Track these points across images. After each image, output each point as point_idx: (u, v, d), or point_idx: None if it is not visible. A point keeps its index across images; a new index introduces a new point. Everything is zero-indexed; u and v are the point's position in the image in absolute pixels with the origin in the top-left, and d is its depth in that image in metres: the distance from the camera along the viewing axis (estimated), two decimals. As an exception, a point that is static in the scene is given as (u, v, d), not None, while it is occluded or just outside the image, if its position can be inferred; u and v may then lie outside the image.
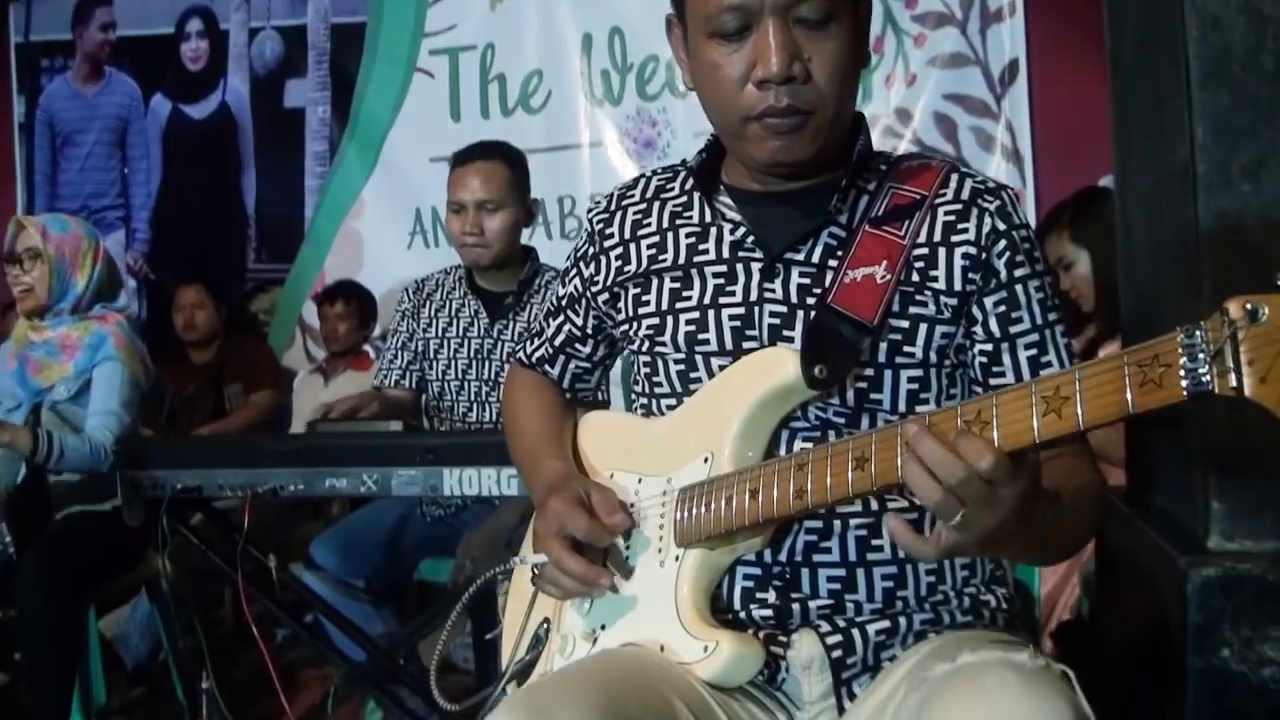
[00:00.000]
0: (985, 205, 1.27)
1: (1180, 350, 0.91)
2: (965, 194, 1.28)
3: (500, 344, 2.81)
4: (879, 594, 1.26)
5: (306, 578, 2.66)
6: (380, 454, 2.30)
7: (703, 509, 1.24)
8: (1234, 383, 0.89)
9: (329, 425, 2.46)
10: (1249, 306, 0.88)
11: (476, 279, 2.86)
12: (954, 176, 1.30)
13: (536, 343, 1.57)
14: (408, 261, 4.81)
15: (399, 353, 2.92)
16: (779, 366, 1.23)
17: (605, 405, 1.89)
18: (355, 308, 4.40)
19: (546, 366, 1.56)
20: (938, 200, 1.28)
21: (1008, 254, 1.25)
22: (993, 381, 1.28)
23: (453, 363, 2.85)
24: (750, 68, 1.19)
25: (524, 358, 1.59)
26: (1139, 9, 1.67)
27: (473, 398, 2.84)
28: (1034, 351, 1.26)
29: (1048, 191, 4.16)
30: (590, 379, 1.58)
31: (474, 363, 2.84)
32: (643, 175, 1.47)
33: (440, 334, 2.88)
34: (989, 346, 1.27)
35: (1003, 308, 1.26)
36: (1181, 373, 0.91)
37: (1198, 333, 0.91)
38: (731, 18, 1.19)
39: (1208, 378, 0.90)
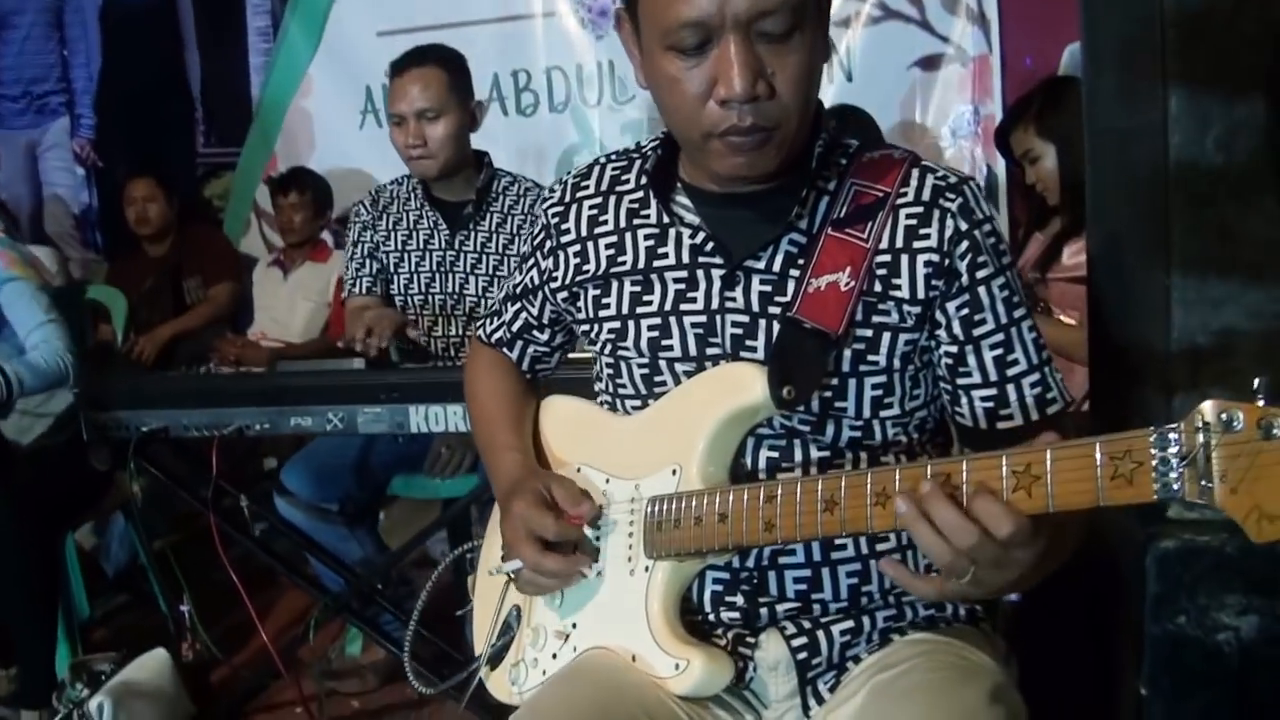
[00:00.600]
0: (947, 205, 1.23)
1: (1152, 450, 0.91)
2: (926, 194, 1.24)
3: (462, 256, 2.76)
4: (844, 591, 1.28)
5: (280, 504, 2.66)
6: (345, 393, 2.29)
7: (673, 526, 1.24)
8: (1203, 490, 0.88)
9: (291, 364, 2.43)
10: (1224, 416, 0.87)
11: (432, 190, 2.79)
12: (915, 173, 1.26)
13: (495, 323, 1.54)
14: (361, 142, 4.70)
15: (366, 260, 2.85)
16: (746, 386, 1.22)
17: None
18: (310, 197, 4.28)
19: (505, 349, 1.54)
20: (900, 200, 1.24)
21: (970, 255, 1.23)
22: (960, 381, 1.27)
23: (415, 277, 2.81)
24: (711, 85, 1.14)
25: (483, 336, 1.57)
26: None
27: (437, 311, 2.80)
28: (999, 351, 1.25)
29: (1014, 56, 4.08)
30: (550, 361, 1.56)
31: (437, 276, 2.79)
32: (596, 163, 1.42)
33: (400, 247, 2.82)
34: (954, 349, 1.25)
35: (966, 310, 1.24)
36: (1153, 474, 0.91)
37: (1171, 435, 0.90)
38: (691, 34, 1.12)
39: (1178, 485, 0.90)
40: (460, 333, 2.78)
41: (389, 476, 2.79)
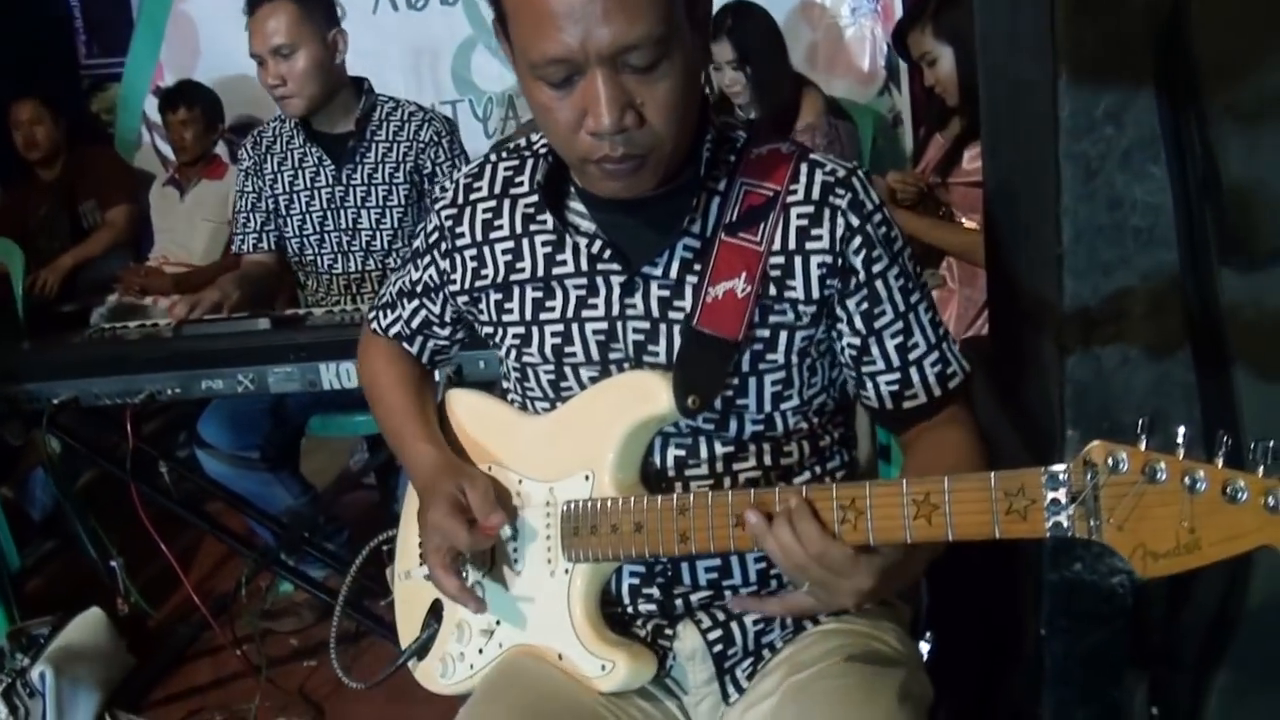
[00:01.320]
0: (837, 203, 1.24)
1: (1044, 489, 0.95)
2: (816, 192, 1.24)
3: (351, 190, 2.72)
4: (754, 575, 1.32)
5: (201, 457, 2.65)
6: (254, 354, 2.27)
7: (589, 531, 1.27)
8: (1092, 529, 0.94)
9: (197, 327, 2.39)
10: (1111, 459, 0.91)
11: (312, 124, 2.72)
12: (804, 169, 1.26)
13: (390, 316, 1.53)
14: (247, 45, 4.50)
15: (250, 215, 2.82)
16: (653, 396, 1.24)
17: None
18: (199, 112, 4.14)
19: (404, 344, 1.53)
20: (789, 199, 1.25)
21: (864, 251, 1.24)
22: (864, 370, 1.31)
23: (307, 216, 2.76)
24: (581, 115, 1.12)
25: (379, 328, 1.55)
26: None
27: (335, 249, 2.77)
28: (900, 339, 1.29)
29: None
30: (449, 353, 1.56)
31: (328, 214, 2.75)
32: (487, 160, 1.39)
33: (288, 188, 2.77)
34: (856, 341, 1.29)
35: (865, 305, 1.26)
36: (1045, 513, 0.96)
37: (1060, 475, 0.95)
38: (557, 69, 1.10)
39: (1068, 523, 0.95)
40: (359, 268, 2.76)
41: (306, 417, 2.79)
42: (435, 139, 2.72)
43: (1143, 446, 0.93)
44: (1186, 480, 0.91)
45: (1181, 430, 0.91)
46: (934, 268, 2.87)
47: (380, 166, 2.70)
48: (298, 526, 2.57)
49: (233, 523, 2.82)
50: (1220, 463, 0.90)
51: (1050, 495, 0.97)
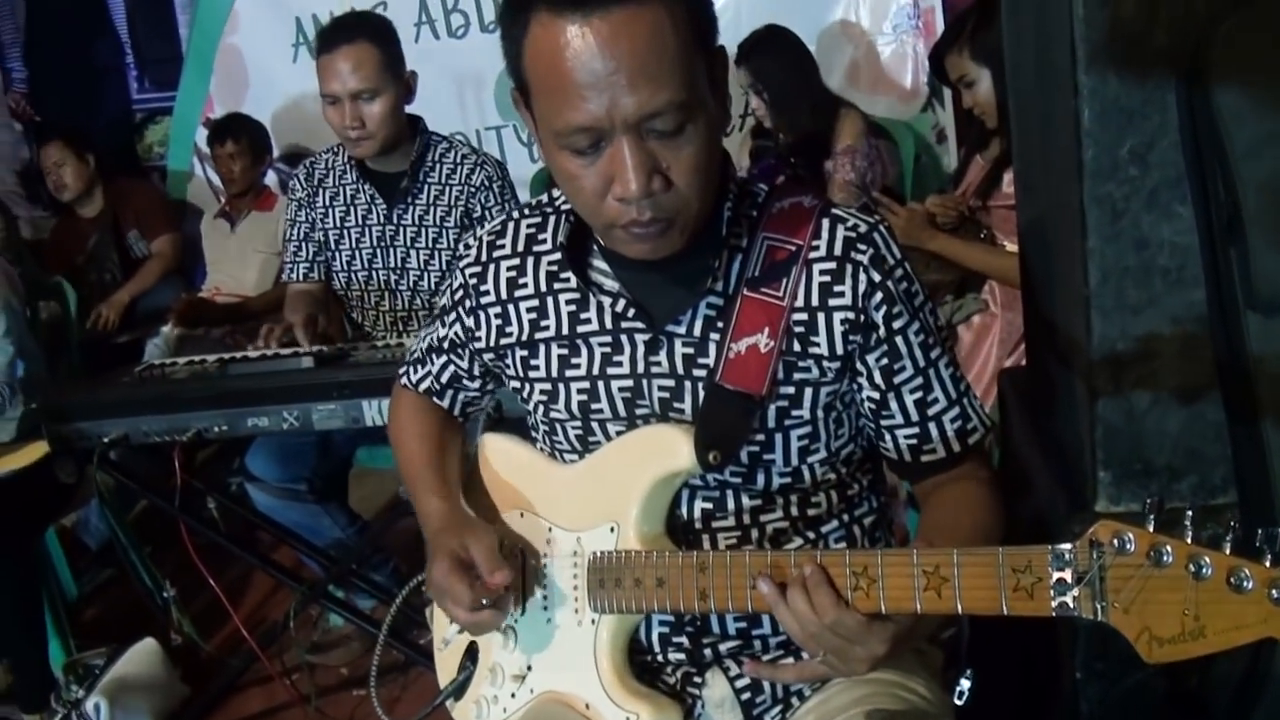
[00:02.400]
0: (859, 258, 1.24)
1: (1050, 568, 0.95)
2: (838, 248, 1.24)
3: (401, 230, 2.73)
4: (782, 628, 1.33)
5: (249, 490, 2.70)
6: (298, 391, 2.30)
7: (614, 584, 1.28)
8: (1098, 610, 0.93)
9: (243, 365, 2.43)
10: (1116, 540, 0.91)
11: (366, 161, 2.74)
12: (825, 224, 1.26)
13: (420, 372, 1.54)
14: (295, 75, 4.62)
15: (302, 245, 2.83)
16: (674, 450, 1.25)
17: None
18: (246, 144, 4.22)
19: (435, 399, 1.55)
20: (812, 255, 1.25)
21: (885, 307, 1.24)
22: (883, 423, 1.30)
23: (356, 253, 2.78)
24: (608, 182, 1.13)
25: (409, 383, 1.57)
26: None
27: (382, 286, 2.79)
28: (919, 394, 1.28)
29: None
30: (480, 402, 1.57)
31: (378, 251, 2.77)
32: (510, 219, 1.41)
33: (339, 224, 2.79)
34: (876, 395, 1.28)
35: (885, 360, 1.26)
36: (1051, 591, 0.96)
37: (1067, 554, 0.94)
38: (583, 137, 1.11)
39: (1074, 604, 0.94)
40: (406, 306, 2.78)
41: (352, 449, 2.83)
42: (486, 183, 2.72)
43: (1150, 527, 0.92)
44: (1191, 566, 0.90)
45: (1190, 512, 0.90)
46: (976, 291, 2.85)
47: (431, 209, 2.71)
48: (345, 559, 2.61)
49: (282, 554, 2.87)
50: (1228, 548, 0.89)
51: (1056, 574, 0.96)
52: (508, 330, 1.37)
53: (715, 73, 1.18)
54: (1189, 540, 0.91)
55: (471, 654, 1.50)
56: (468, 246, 1.43)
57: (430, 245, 2.72)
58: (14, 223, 4.50)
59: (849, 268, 1.24)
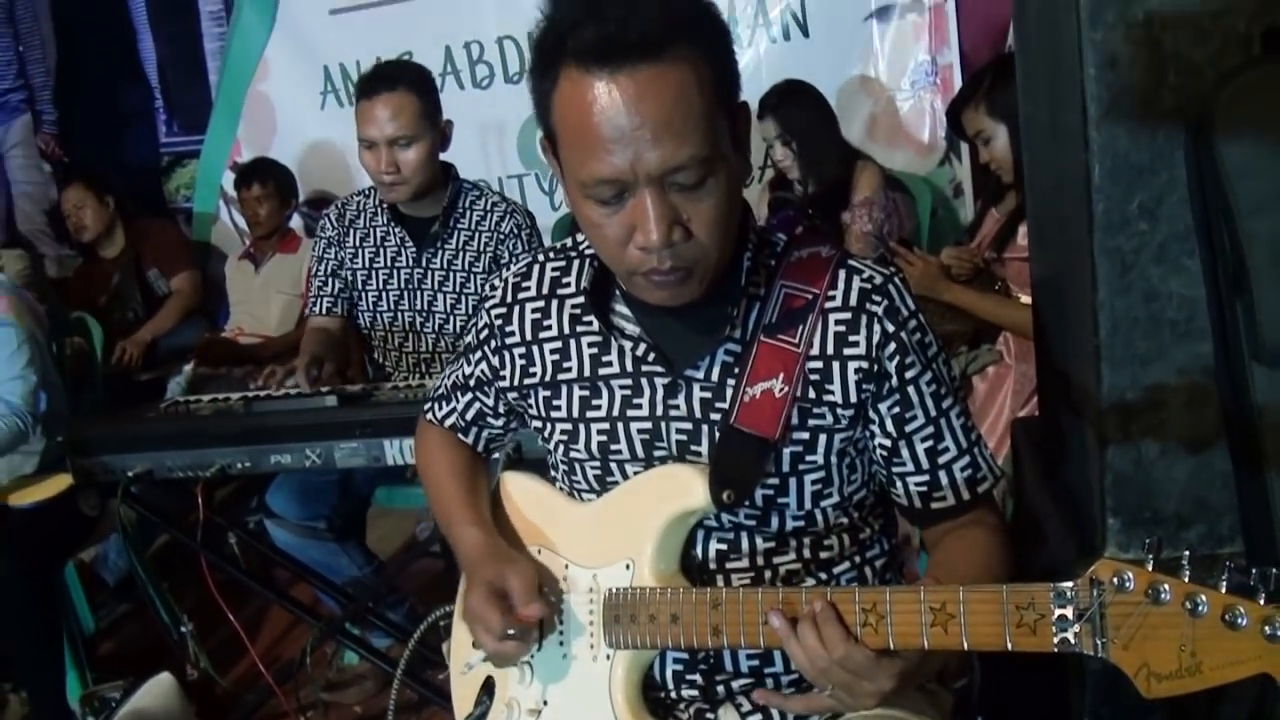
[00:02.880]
0: (874, 310, 1.28)
1: (1053, 605, 0.98)
2: (854, 299, 1.28)
3: (430, 273, 2.78)
4: (794, 664, 1.35)
5: (268, 526, 2.73)
6: (321, 430, 2.34)
7: (629, 620, 1.31)
8: (1098, 646, 0.96)
9: (267, 403, 2.47)
10: (1117, 578, 0.94)
11: (399, 206, 2.79)
12: (842, 274, 1.30)
13: (445, 408, 1.58)
14: (322, 123, 4.73)
15: (329, 279, 2.87)
16: (689, 490, 1.28)
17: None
18: (273, 188, 4.30)
19: (460, 435, 1.59)
20: (828, 305, 1.29)
21: (898, 357, 1.28)
22: (894, 470, 1.33)
23: (383, 294, 2.83)
24: (630, 231, 1.17)
25: (434, 419, 1.61)
26: (1041, 42, 1.63)
27: (407, 327, 2.84)
28: (930, 443, 1.31)
29: (970, 5, 4.07)
30: (503, 439, 1.61)
31: (405, 294, 2.81)
32: (535, 261, 1.45)
33: (368, 265, 2.84)
34: (887, 442, 1.32)
35: (897, 409, 1.30)
36: (1053, 628, 0.99)
37: (1068, 592, 0.98)
38: (608, 188, 1.16)
39: (1075, 640, 0.97)
40: (430, 348, 2.82)
41: (371, 489, 2.86)
42: (515, 231, 2.78)
43: (1150, 566, 0.94)
44: (1188, 604, 0.93)
45: (1187, 553, 0.93)
46: (990, 343, 2.88)
47: (460, 254, 2.77)
48: (363, 596, 2.63)
49: (299, 591, 2.89)
50: (1224, 587, 0.91)
51: (1058, 611, 1.00)
52: (531, 370, 1.41)
53: (737, 128, 1.22)
54: (1186, 579, 0.93)
55: (488, 689, 1.52)
56: (493, 288, 1.47)
57: (457, 289, 2.76)
58: (39, 261, 4.61)
59: (864, 318, 1.28)
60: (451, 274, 2.76)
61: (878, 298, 1.28)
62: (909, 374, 1.28)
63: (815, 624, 1.13)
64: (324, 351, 2.74)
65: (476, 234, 2.77)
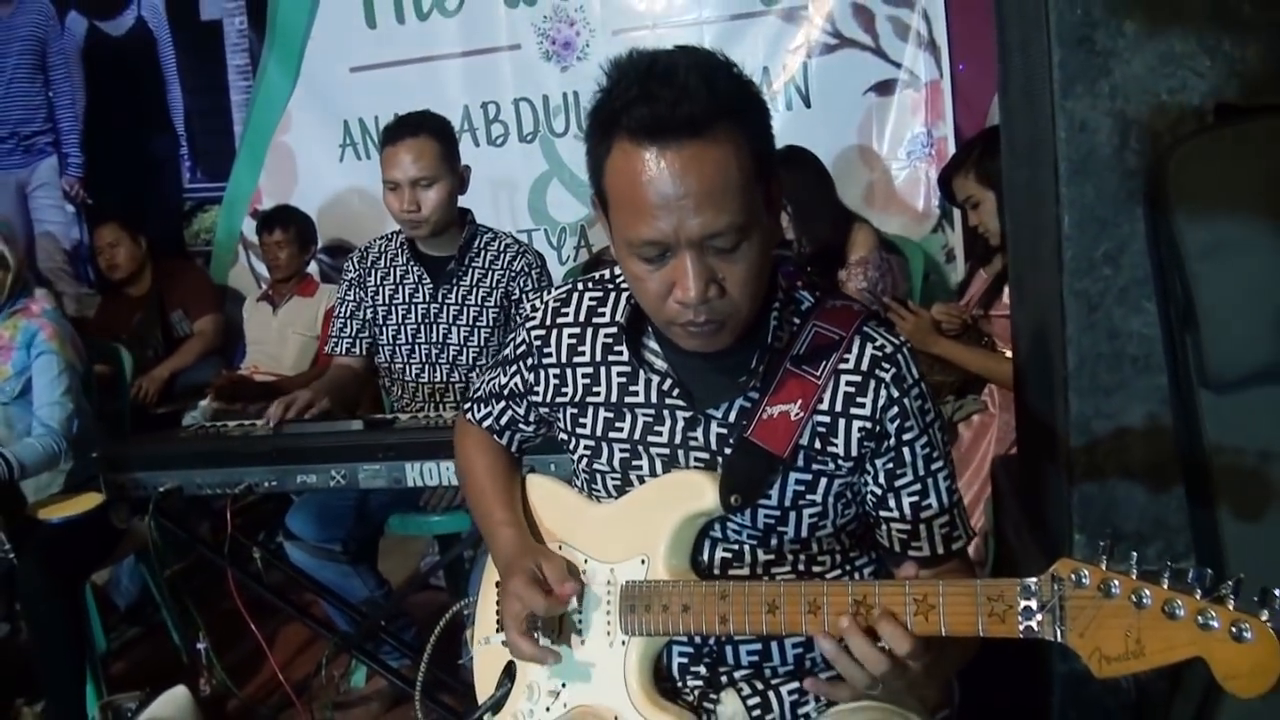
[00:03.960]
0: (882, 375, 1.42)
1: (1019, 598, 1.15)
2: (865, 364, 1.42)
3: (445, 308, 2.97)
4: (790, 659, 1.51)
5: (286, 548, 2.87)
6: (346, 452, 2.49)
7: (644, 609, 1.46)
8: (1058, 634, 1.13)
9: (295, 426, 2.63)
10: (1074, 575, 1.11)
11: (418, 245, 2.99)
12: (858, 340, 1.44)
13: (483, 410, 1.73)
14: (340, 174, 4.90)
15: (348, 321, 3.07)
16: (701, 493, 1.44)
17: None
18: (294, 234, 4.48)
19: (495, 437, 1.74)
20: (842, 366, 1.43)
21: (899, 421, 1.42)
22: (881, 515, 1.48)
23: (402, 328, 3.01)
24: (670, 286, 1.32)
25: (473, 419, 1.76)
26: (1022, 111, 1.81)
27: (423, 360, 3.01)
28: (916, 498, 1.46)
29: (964, 83, 4.27)
30: (534, 441, 1.76)
31: (422, 328, 3.00)
32: (574, 289, 1.59)
33: (388, 301, 3.03)
34: (878, 491, 1.47)
35: (890, 465, 1.45)
36: (1019, 617, 1.15)
37: (1032, 586, 1.15)
38: (652, 248, 1.30)
39: (1038, 627, 1.14)
40: (444, 379, 3.00)
41: (386, 515, 3.01)
42: (526, 269, 2.99)
43: (1103, 565, 1.11)
44: (1134, 597, 1.08)
45: (1135, 554, 1.09)
46: (976, 393, 3.05)
47: (475, 290, 2.97)
48: (375, 614, 2.76)
49: (314, 614, 3.02)
50: (1165, 584, 1.07)
51: (1023, 603, 1.15)
52: (564, 390, 1.57)
53: (771, 195, 1.37)
54: (1134, 577, 1.09)
55: (509, 672, 1.66)
56: (534, 309, 1.61)
57: (471, 323, 2.95)
58: (59, 299, 4.76)
59: (872, 383, 1.42)
60: (466, 309, 2.95)
61: (887, 365, 1.43)
62: (906, 436, 1.43)
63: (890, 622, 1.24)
64: (328, 393, 2.88)
65: (490, 271, 2.98)
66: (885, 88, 4.34)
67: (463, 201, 3.03)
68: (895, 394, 1.42)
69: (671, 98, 1.24)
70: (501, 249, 3.01)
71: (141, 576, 3.53)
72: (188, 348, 4.56)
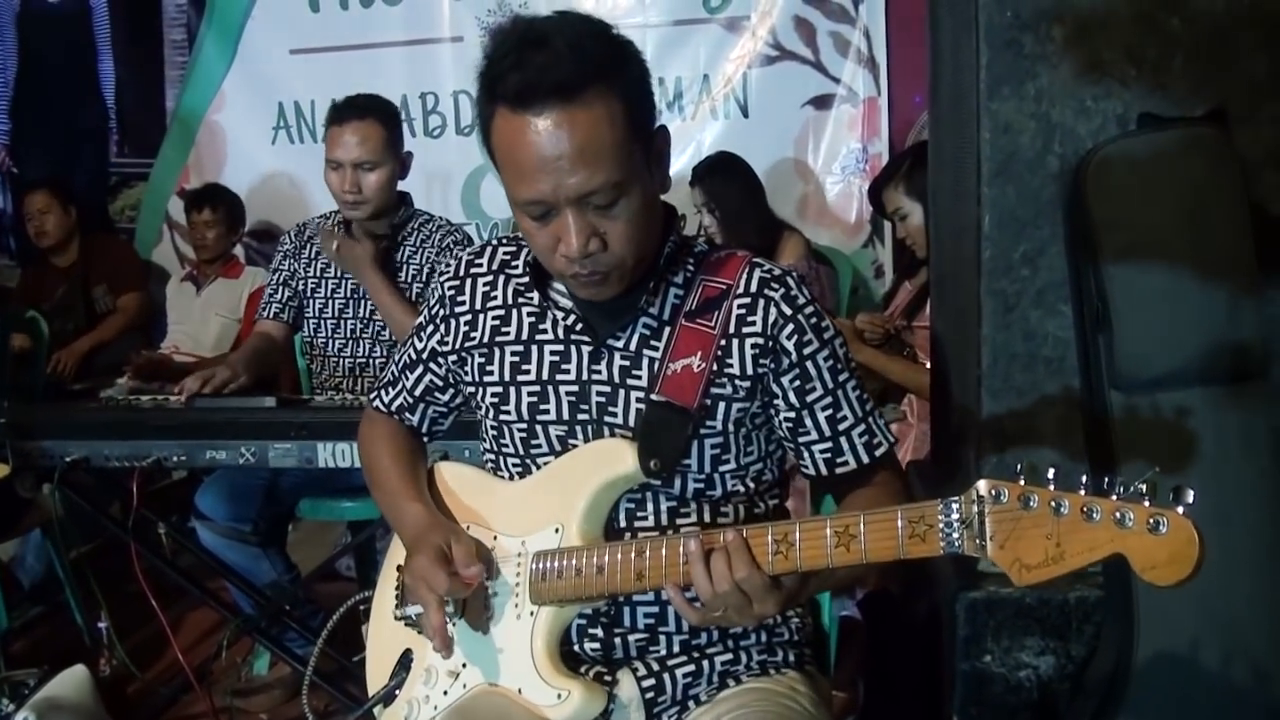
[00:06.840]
0: (771, 295, 1.47)
1: (940, 516, 1.17)
2: (754, 286, 1.48)
3: None
4: (685, 625, 1.50)
5: (196, 527, 2.81)
6: (257, 429, 2.45)
7: (556, 576, 1.45)
8: (978, 546, 1.15)
9: (208, 401, 2.58)
10: (993, 491, 1.13)
11: (354, 226, 2.96)
12: (747, 269, 1.49)
13: (392, 392, 1.73)
14: (272, 157, 4.85)
15: (279, 288, 3.05)
16: (620, 460, 1.45)
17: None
18: (223, 214, 4.41)
19: (406, 414, 1.73)
20: (736, 294, 1.48)
21: (796, 336, 1.47)
22: (800, 440, 1.51)
23: (330, 302, 3.00)
24: (557, 242, 1.37)
25: (381, 406, 1.75)
26: (950, 114, 1.84)
27: (348, 335, 3.00)
28: (830, 411, 1.49)
29: (901, 98, 4.34)
30: (445, 423, 1.76)
31: (350, 303, 2.99)
32: (489, 244, 1.64)
33: (319, 275, 3.02)
34: (791, 414, 1.50)
35: (798, 383, 1.48)
36: (940, 534, 1.17)
37: (954, 505, 1.17)
38: (536, 208, 1.36)
39: (959, 541, 1.16)
40: (366, 354, 2.99)
41: (297, 498, 2.96)
42: (453, 246, 2.99)
43: (1021, 483, 1.12)
44: (1053, 505, 1.11)
45: (1051, 471, 1.11)
46: (896, 403, 3.08)
47: (405, 267, 2.96)
48: (279, 599, 2.71)
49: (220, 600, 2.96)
50: (1083, 492, 1.10)
51: (944, 521, 1.17)
52: (472, 335, 1.58)
53: (652, 150, 1.42)
54: (1051, 489, 1.11)
55: (404, 663, 1.63)
56: (448, 265, 1.65)
57: None
58: (-22, 269, 4.63)
59: (761, 301, 1.47)
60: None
61: (776, 285, 1.48)
62: (807, 350, 1.47)
63: (727, 552, 1.28)
64: (246, 367, 2.83)
65: (420, 249, 2.97)
66: (823, 102, 4.40)
67: (407, 175, 3.01)
68: (787, 310, 1.47)
69: (541, 63, 1.30)
70: (433, 230, 3.02)
71: (47, 555, 3.44)
72: (109, 324, 4.47)
